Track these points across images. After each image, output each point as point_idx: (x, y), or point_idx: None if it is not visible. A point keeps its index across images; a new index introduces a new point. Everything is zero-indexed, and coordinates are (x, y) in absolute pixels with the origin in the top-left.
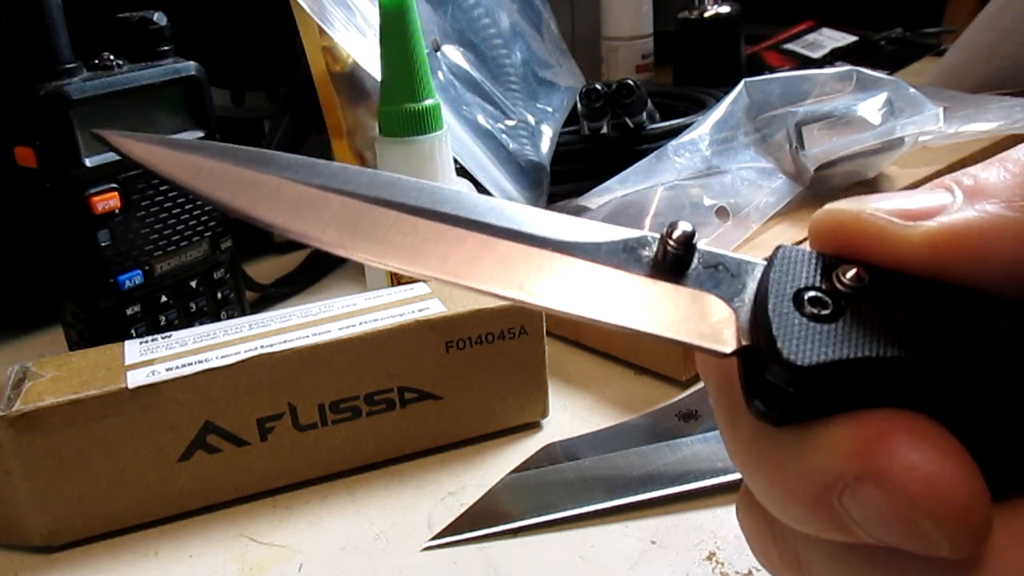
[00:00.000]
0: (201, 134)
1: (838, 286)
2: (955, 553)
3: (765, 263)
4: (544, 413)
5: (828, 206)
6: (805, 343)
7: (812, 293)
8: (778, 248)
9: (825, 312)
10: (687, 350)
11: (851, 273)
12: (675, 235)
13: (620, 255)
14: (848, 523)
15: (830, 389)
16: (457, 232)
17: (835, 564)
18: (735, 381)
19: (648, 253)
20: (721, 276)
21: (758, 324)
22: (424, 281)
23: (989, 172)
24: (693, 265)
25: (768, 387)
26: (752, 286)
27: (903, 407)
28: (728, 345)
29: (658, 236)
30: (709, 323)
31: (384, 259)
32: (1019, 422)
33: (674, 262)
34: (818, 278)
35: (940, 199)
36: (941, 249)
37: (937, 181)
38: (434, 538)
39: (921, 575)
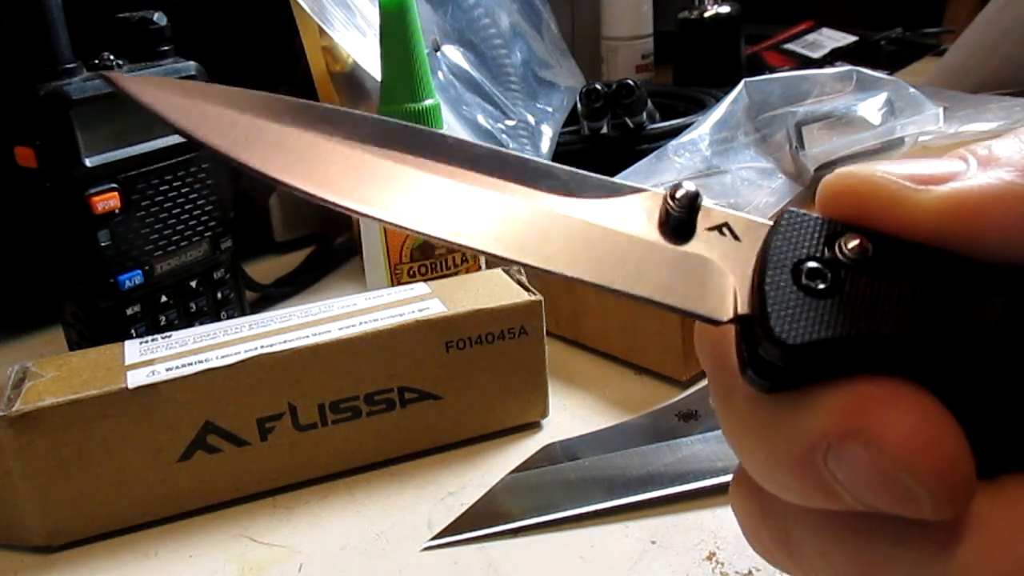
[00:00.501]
0: None
1: (840, 256)
2: (937, 513)
3: (771, 225)
4: (544, 413)
5: (839, 170)
6: (798, 320)
7: (812, 264)
8: (783, 212)
9: (822, 286)
10: (686, 318)
11: (854, 243)
12: (678, 195)
13: (622, 214)
14: (834, 485)
15: (821, 364)
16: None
17: (824, 539)
18: (731, 350)
19: (652, 212)
20: (725, 239)
21: (754, 295)
22: (420, 234)
23: (1004, 142)
24: (696, 226)
25: (761, 359)
26: (756, 250)
27: (893, 375)
28: (724, 314)
29: (662, 193)
30: (707, 289)
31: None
32: (1010, 401)
33: (676, 224)
34: (820, 247)
35: (954, 166)
36: (952, 215)
37: (952, 151)
38: (434, 538)
39: (908, 547)
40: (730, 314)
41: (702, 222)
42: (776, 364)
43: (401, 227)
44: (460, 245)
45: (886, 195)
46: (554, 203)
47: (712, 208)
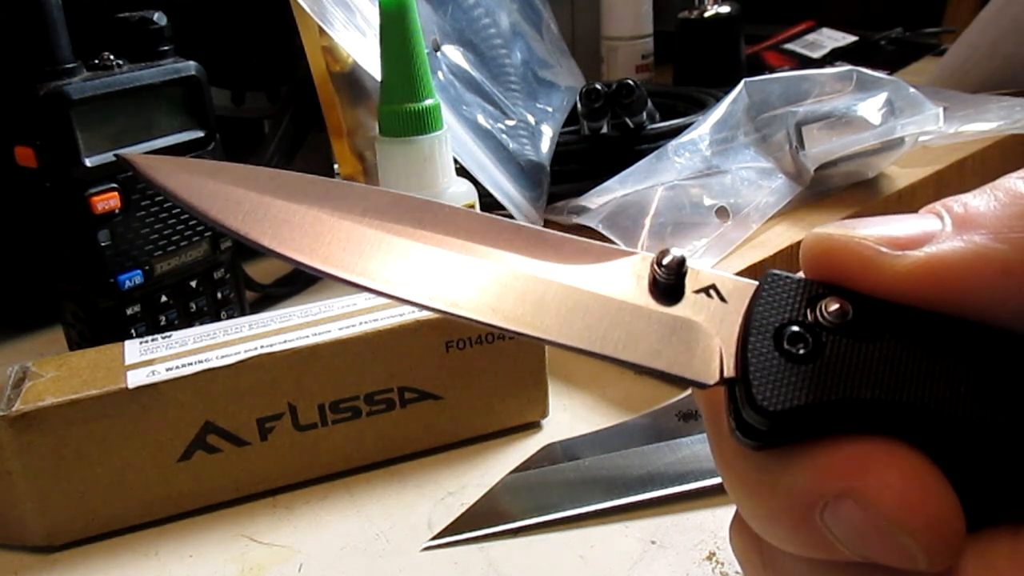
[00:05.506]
0: (201, 134)
1: (820, 320)
2: (932, 566)
3: (756, 287)
4: (544, 413)
5: (818, 230)
6: (780, 386)
7: (793, 328)
8: (767, 275)
9: (804, 351)
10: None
11: (834, 307)
12: (665, 262)
13: (613, 279)
14: (831, 540)
15: (806, 427)
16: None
17: None
18: (723, 408)
19: (640, 276)
20: (712, 301)
21: (738, 361)
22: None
23: (979, 200)
24: (683, 289)
25: (747, 421)
26: (741, 311)
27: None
28: (711, 377)
29: (651, 257)
30: (694, 353)
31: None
32: (991, 456)
33: (664, 288)
34: (803, 310)
35: (929, 225)
36: (926, 281)
37: (928, 206)
38: (434, 538)
39: None
40: (716, 377)
41: (690, 284)
42: (760, 428)
43: (401, 300)
44: (460, 317)
45: (863, 261)
46: (548, 271)
47: (699, 270)
